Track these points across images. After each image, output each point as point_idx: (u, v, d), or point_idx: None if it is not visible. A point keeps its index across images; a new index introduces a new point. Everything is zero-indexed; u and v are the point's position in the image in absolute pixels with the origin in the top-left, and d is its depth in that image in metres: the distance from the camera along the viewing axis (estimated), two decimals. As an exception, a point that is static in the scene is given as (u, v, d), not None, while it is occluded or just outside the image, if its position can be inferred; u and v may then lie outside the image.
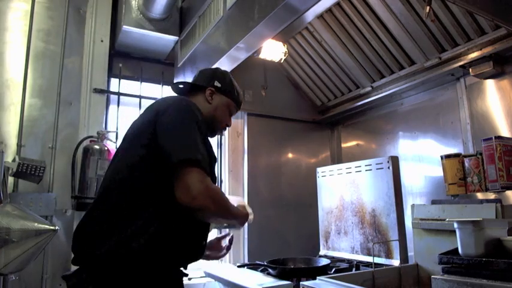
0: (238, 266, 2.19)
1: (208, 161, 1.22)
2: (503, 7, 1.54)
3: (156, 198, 1.18)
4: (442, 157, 1.88)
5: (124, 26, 2.34)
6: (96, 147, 2.18)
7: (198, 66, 2.28)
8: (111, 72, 2.53)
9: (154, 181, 1.19)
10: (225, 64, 2.10)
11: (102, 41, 2.48)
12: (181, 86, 1.56)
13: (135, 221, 1.14)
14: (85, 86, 2.37)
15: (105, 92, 2.45)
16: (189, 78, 2.43)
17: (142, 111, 1.40)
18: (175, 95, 1.54)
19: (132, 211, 1.16)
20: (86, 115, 2.34)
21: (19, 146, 2.07)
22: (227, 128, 1.57)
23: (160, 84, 2.71)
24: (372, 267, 1.82)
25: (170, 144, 1.17)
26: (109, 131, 2.30)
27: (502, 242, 1.28)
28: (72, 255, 1.20)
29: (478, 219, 1.32)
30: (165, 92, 2.69)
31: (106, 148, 2.19)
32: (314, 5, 1.57)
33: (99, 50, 2.47)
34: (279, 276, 1.93)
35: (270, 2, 1.62)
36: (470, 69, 2.03)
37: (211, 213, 1.19)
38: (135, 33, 2.40)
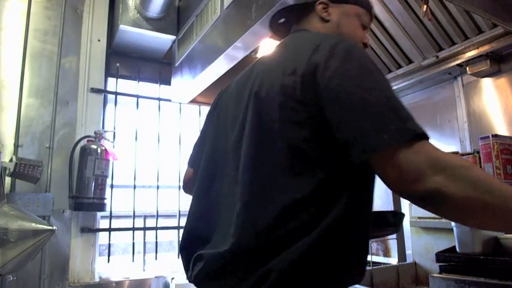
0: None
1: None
2: (500, 6, 1.55)
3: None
4: (439, 156, 1.88)
5: (121, 26, 2.33)
6: (94, 147, 2.17)
7: (196, 66, 2.28)
8: (109, 72, 2.52)
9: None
10: (222, 63, 2.10)
11: (99, 40, 2.47)
12: (282, 20, 1.09)
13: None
14: (82, 86, 2.36)
15: (103, 91, 2.44)
16: (187, 78, 2.43)
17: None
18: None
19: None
20: (83, 115, 2.33)
21: (16, 146, 2.06)
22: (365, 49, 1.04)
23: (157, 83, 2.69)
24: (370, 265, 1.82)
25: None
26: (106, 131, 2.29)
27: (499, 240, 1.28)
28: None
29: (476, 217, 1.32)
30: (163, 91, 2.67)
31: (103, 148, 2.19)
32: (311, 4, 1.57)
33: (96, 49, 2.46)
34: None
35: (268, 1, 1.61)
36: (468, 68, 2.03)
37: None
38: (132, 32, 2.39)
